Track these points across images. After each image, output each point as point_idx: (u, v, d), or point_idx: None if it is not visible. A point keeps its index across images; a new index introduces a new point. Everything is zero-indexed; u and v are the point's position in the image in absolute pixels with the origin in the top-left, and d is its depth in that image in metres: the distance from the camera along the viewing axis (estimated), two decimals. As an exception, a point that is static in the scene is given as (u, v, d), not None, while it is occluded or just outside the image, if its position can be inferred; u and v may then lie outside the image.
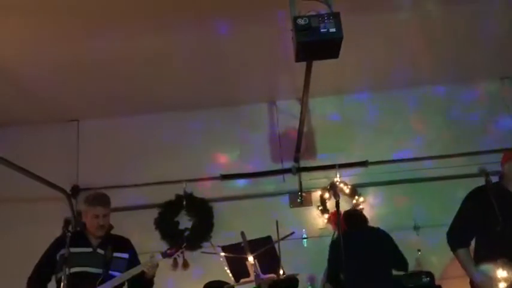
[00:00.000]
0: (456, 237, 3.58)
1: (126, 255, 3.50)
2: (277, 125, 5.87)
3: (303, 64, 3.82)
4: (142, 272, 3.35)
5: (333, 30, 3.13)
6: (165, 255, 3.46)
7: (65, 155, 5.77)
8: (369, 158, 5.59)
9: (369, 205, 5.50)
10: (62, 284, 2.95)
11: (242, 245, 3.50)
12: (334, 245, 4.40)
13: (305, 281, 5.06)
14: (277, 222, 4.10)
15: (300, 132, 5.13)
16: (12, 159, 4.83)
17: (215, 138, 5.83)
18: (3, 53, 4.46)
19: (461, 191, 3.86)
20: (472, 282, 3.50)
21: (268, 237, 3.72)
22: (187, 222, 5.65)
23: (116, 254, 3.43)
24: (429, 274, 4.83)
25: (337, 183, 5.41)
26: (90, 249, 3.41)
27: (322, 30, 3.13)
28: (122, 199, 3.97)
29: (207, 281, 4.53)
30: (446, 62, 5.32)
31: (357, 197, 5.47)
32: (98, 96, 5.45)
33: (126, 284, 3.48)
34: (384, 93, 5.81)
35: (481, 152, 5.33)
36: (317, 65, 3.80)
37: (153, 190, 5.61)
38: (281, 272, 3.72)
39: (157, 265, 3.39)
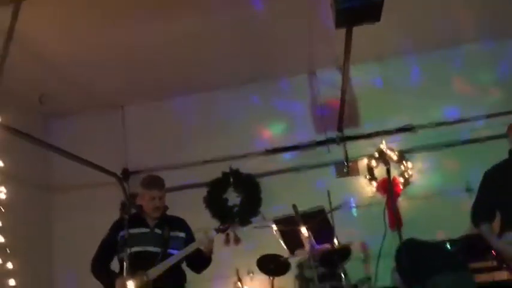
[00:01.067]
0: (478, 214, 3.68)
1: (182, 234, 3.59)
2: (319, 96, 5.81)
3: (341, 31, 3.74)
4: (200, 249, 3.42)
5: (373, -7, 3.04)
6: (218, 230, 3.53)
7: (113, 141, 5.94)
8: (415, 123, 5.48)
9: (418, 170, 5.41)
10: (124, 263, 3.06)
11: (294, 217, 3.52)
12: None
13: (358, 250, 5.05)
14: (328, 192, 4.11)
15: (342, 101, 5.06)
16: (63, 148, 5.01)
17: (257, 114, 5.84)
18: (46, 44, 4.58)
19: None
20: (497, 254, 3.48)
21: (321, 208, 3.72)
22: (235, 198, 5.73)
23: (172, 233, 3.53)
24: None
25: (384, 150, 5.32)
26: (148, 230, 3.52)
27: (362, -6, 3.04)
28: (170, 180, 4.06)
29: (259, 255, 4.58)
30: (490, 16, 5.08)
31: (404, 163, 5.38)
32: (142, 81, 5.55)
33: (185, 262, 3.57)
34: (427, 54, 5.63)
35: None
36: (356, 30, 3.72)
37: (200, 169, 5.71)
38: (335, 241, 3.73)
39: (212, 240, 3.46)
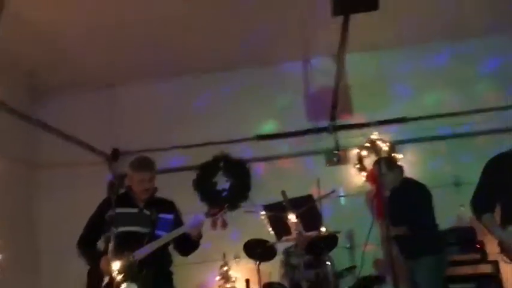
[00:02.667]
0: (479, 205, 3.58)
1: (170, 216, 3.56)
2: (312, 83, 5.78)
3: (337, 19, 3.71)
4: (188, 233, 3.40)
5: (372, -20, 3.00)
6: (208, 215, 3.51)
7: (104, 120, 5.87)
8: (407, 115, 5.48)
9: (408, 162, 5.41)
10: (110, 243, 3.04)
11: (283, 203, 3.51)
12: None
13: (343, 238, 5.06)
14: (318, 180, 4.11)
15: (336, 89, 5.05)
16: (53, 125, 4.94)
17: (250, 99, 5.81)
18: (45, 18, 4.50)
19: (505, 145, 3.75)
20: (500, 244, 3.47)
21: (309, 196, 3.73)
22: (225, 183, 5.72)
23: (161, 215, 3.50)
24: (471, 229, 4.79)
25: (375, 140, 5.33)
26: (136, 210, 3.48)
27: (361, -19, 3.01)
28: (160, 162, 4.03)
29: (246, 240, 4.59)
30: (482, 10, 5.06)
31: (395, 154, 5.39)
32: (132, 61, 5.47)
33: (172, 245, 3.56)
34: (421, 47, 5.63)
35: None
36: (353, 19, 3.69)
37: (191, 152, 5.69)
38: (323, 229, 3.74)
39: (201, 225, 3.44)
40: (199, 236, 3.47)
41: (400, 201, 4.03)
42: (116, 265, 2.99)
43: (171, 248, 3.60)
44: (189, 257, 3.68)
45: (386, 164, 4.13)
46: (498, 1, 4.93)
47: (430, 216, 4.16)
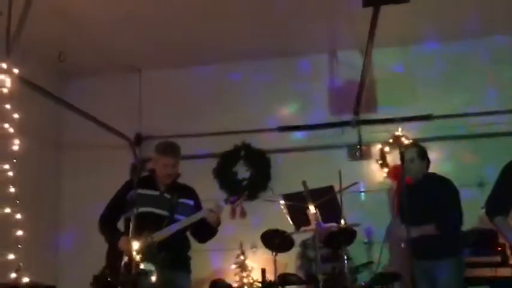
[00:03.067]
0: (493, 207, 3.51)
1: (191, 202, 3.59)
2: (338, 77, 5.74)
3: (366, 12, 3.67)
4: (206, 221, 3.42)
5: (405, -29, 2.96)
6: (228, 201, 3.52)
7: (129, 105, 5.93)
8: (433, 112, 5.40)
9: (432, 160, 5.31)
10: (131, 223, 3.07)
11: (303, 193, 3.50)
12: None
13: (362, 233, 5.02)
14: (340, 172, 4.07)
15: (361, 84, 5.00)
16: (79, 108, 5.02)
17: (274, 90, 5.80)
18: (75, 4, 4.57)
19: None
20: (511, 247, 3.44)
21: (330, 187, 3.70)
22: (245, 172, 5.74)
23: (181, 200, 3.53)
24: (492, 232, 4.70)
25: (399, 136, 5.27)
26: (157, 192, 3.52)
27: (394, -29, 2.96)
28: (183, 148, 4.07)
29: (264, 230, 4.59)
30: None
31: (419, 151, 5.31)
32: (161, 46, 5.52)
33: (190, 231, 3.58)
34: (453, 44, 5.53)
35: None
36: (382, 12, 3.64)
37: (213, 140, 5.72)
38: (342, 222, 3.71)
39: (220, 212, 3.45)
40: (218, 223, 3.48)
41: (426, 196, 3.82)
42: (135, 245, 3.02)
43: (189, 233, 3.63)
44: (207, 244, 3.70)
45: (418, 150, 3.96)
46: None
47: (459, 214, 4.02)
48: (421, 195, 3.77)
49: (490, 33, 5.43)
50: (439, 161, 5.35)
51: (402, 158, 3.41)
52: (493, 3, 4.83)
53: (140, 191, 3.28)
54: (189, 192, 3.68)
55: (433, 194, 3.86)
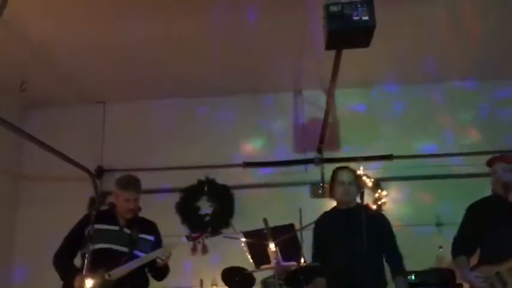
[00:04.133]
0: (457, 247, 3.76)
1: (151, 237, 3.54)
2: (302, 115, 5.84)
3: (331, 53, 3.78)
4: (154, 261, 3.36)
5: (365, 18, 3.09)
6: (189, 238, 3.50)
7: (91, 136, 5.86)
8: (394, 152, 5.53)
9: (392, 199, 5.45)
10: (86, 259, 2.99)
11: (264, 231, 3.49)
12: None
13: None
14: (300, 210, 4.12)
15: (324, 122, 5.10)
16: (40, 138, 4.92)
17: (239, 126, 5.83)
18: (36, 31, 4.51)
19: (488, 189, 3.82)
20: (470, 286, 3.61)
21: (291, 225, 3.71)
22: (208, 208, 5.68)
23: (141, 235, 3.47)
24: (450, 272, 4.77)
25: (361, 175, 5.36)
26: (117, 228, 3.46)
27: (354, 17, 3.09)
28: (145, 182, 4.04)
29: (225, 267, 4.53)
30: (478, 57, 5.19)
31: (379, 191, 5.42)
32: (125, 79, 5.50)
33: (147, 268, 3.51)
34: (413, 86, 5.72)
35: (511, 151, 5.21)
36: (345, 54, 3.76)
37: (176, 174, 5.66)
38: (302, 260, 3.71)
39: (169, 255, 3.40)
40: (166, 270, 3.42)
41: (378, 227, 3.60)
42: (89, 283, 2.93)
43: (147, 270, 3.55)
44: (166, 281, 3.64)
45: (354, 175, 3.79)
46: (487, 48, 5.05)
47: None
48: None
49: (447, 78, 5.65)
50: (399, 200, 5.48)
51: (362, 198, 3.46)
52: (449, 50, 5.06)
53: (99, 226, 3.22)
54: (149, 227, 3.63)
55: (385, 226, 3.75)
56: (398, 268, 3.57)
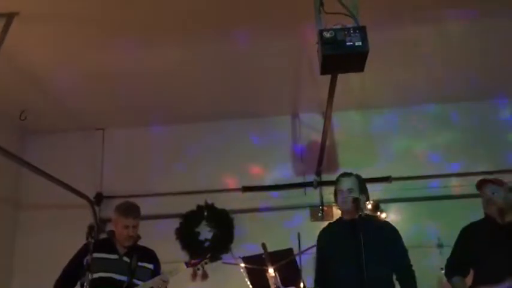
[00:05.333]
0: (452, 267, 3.79)
1: (151, 266, 3.54)
2: (300, 138, 5.87)
3: (327, 77, 3.82)
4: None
5: (359, 43, 3.13)
6: (188, 265, 3.48)
7: (90, 163, 5.88)
8: (393, 174, 5.54)
9: (392, 221, 5.38)
10: (85, 288, 2.98)
11: (263, 256, 3.49)
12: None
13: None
14: (299, 234, 4.09)
15: (322, 146, 5.12)
16: (38, 166, 4.94)
17: (238, 150, 5.85)
18: (35, 61, 4.59)
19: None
20: None
21: (290, 250, 3.70)
22: (207, 233, 5.67)
23: (141, 264, 3.46)
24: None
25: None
26: (116, 256, 3.45)
27: (348, 43, 3.13)
28: (144, 208, 4.05)
29: (225, 293, 4.51)
30: (471, 77, 5.25)
31: (379, 213, 5.41)
32: (123, 106, 5.55)
33: None
34: (409, 109, 5.77)
35: (510, 171, 5.21)
36: (341, 79, 3.81)
37: (175, 200, 5.65)
38: (301, 285, 3.69)
39: (167, 282, 3.38)
40: None
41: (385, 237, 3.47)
42: (88, 313, 2.92)
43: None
44: (165, 308, 3.60)
45: (358, 181, 3.60)
46: (480, 66, 5.11)
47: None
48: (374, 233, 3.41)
49: (442, 100, 5.70)
50: (399, 221, 5.44)
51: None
52: (446, 72, 5.12)
53: (98, 254, 3.22)
54: (149, 255, 3.63)
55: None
56: None
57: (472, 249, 3.62)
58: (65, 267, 3.48)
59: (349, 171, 5.56)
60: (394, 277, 3.51)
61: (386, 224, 3.81)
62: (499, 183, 3.72)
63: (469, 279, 3.77)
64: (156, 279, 3.34)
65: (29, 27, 3.99)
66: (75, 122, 5.81)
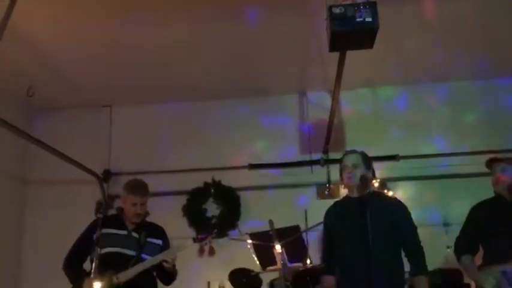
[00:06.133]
0: (461, 246, 3.74)
1: (159, 241, 3.56)
2: (307, 116, 5.86)
3: (335, 55, 3.78)
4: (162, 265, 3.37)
5: (369, 19, 3.10)
6: (196, 240, 3.51)
7: (97, 140, 5.91)
8: (400, 153, 5.52)
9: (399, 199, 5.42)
10: (94, 263, 3.01)
11: (270, 233, 3.51)
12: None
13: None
14: (306, 211, 4.09)
15: (330, 124, 5.10)
16: (47, 143, 4.96)
17: (245, 128, 5.85)
18: (42, 38, 4.57)
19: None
20: (477, 285, 3.61)
21: (297, 227, 3.72)
22: (214, 209, 5.71)
23: (149, 239, 3.49)
24: (457, 272, 4.75)
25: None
26: (125, 232, 3.48)
27: (358, 19, 3.10)
28: (151, 185, 4.08)
29: (232, 269, 4.55)
30: (480, 57, 5.19)
31: (385, 191, 5.40)
32: (131, 83, 5.54)
33: (155, 272, 3.53)
34: (417, 86, 5.73)
35: (516, 149, 5.19)
36: (349, 56, 3.77)
37: (182, 177, 5.68)
38: (308, 261, 3.72)
39: (175, 258, 3.40)
40: (173, 268, 3.42)
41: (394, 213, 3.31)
42: (97, 285, 2.96)
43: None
44: (174, 284, 3.64)
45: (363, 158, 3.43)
46: (491, 47, 5.04)
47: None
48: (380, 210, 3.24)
49: (452, 78, 5.65)
50: (405, 200, 5.39)
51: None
52: (453, 49, 5.05)
53: (107, 230, 3.25)
54: (157, 231, 3.65)
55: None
56: (418, 267, 3.29)
57: (481, 227, 3.61)
58: (75, 242, 3.52)
59: (356, 148, 5.65)
60: (403, 254, 3.49)
61: (395, 201, 3.67)
62: (508, 161, 3.70)
63: (478, 259, 3.77)
64: (166, 252, 3.37)
65: (36, 4, 3.97)
66: (82, 99, 5.82)
